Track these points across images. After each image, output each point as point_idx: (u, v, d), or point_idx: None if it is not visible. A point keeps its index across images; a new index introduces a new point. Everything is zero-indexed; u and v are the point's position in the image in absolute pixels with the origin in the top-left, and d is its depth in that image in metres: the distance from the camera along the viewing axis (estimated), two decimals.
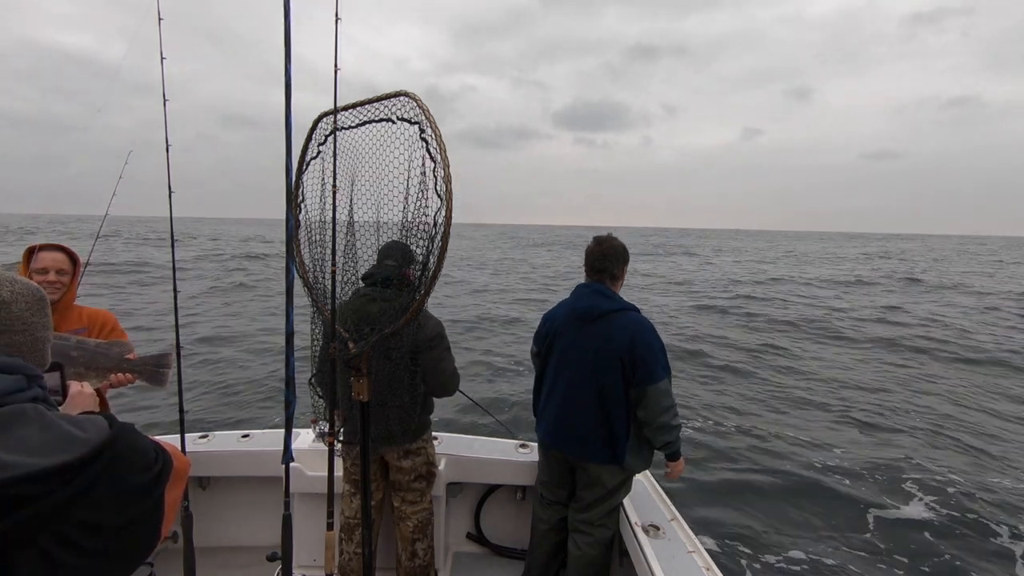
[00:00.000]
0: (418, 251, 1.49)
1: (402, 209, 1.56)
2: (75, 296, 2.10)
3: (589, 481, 2.24)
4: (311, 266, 1.75)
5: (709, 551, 1.99)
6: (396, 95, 1.46)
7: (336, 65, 1.53)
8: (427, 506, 2.35)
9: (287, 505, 1.66)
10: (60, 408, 0.89)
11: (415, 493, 2.30)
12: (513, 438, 2.86)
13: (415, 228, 1.50)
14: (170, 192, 1.94)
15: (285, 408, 1.54)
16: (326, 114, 1.66)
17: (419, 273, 1.49)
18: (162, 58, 1.84)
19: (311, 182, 1.71)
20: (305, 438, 2.67)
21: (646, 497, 2.39)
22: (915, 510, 4.65)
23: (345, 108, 1.58)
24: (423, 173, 1.42)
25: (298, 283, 1.63)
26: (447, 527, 2.73)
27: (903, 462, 5.47)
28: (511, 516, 2.82)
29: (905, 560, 3.98)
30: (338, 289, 1.65)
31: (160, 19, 1.80)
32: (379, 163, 1.55)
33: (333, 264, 1.59)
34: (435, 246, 1.42)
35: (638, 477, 2.43)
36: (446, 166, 1.36)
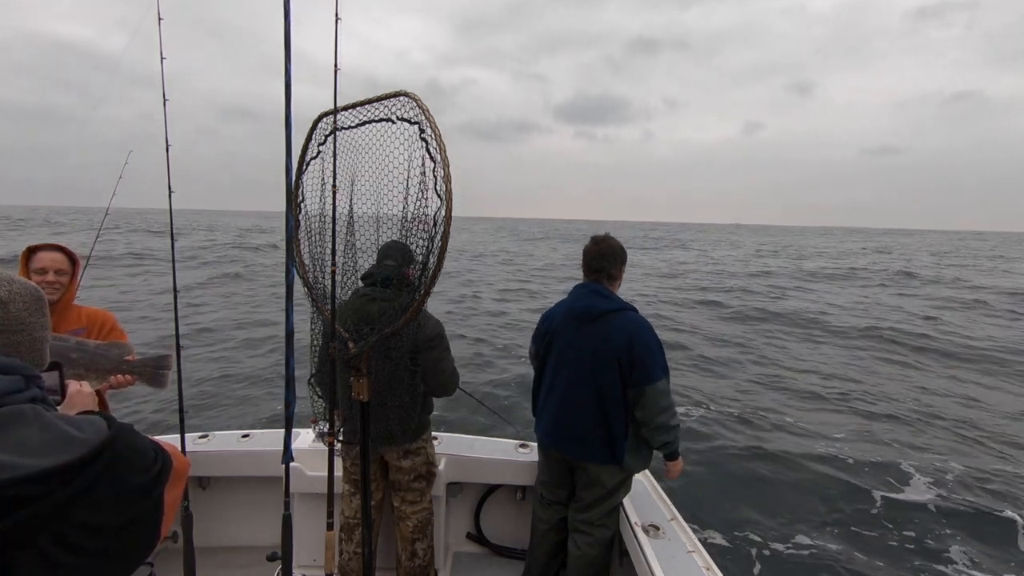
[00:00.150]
0: (418, 251, 1.49)
1: (402, 209, 1.56)
2: (74, 296, 2.10)
3: (588, 481, 2.24)
4: (311, 266, 1.75)
5: (714, 543, 2.00)
6: (396, 95, 1.46)
7: (336, 65, 1.53)
8: (427, 506, 2.35)
9: (287, 505, 1.66)
10: (59, 408, 0.89)
11: (415, 493, 2.30)
12: (513, 433, 2.86)
13: (415, 228, 1.50)
14: (170, 192, 1.94)
15: (285, 408, 1.54)
16: (326, 114, 1.66)
17: (419, 273, 1.49)
18: (162, 58, 1.84)
19: (311, 182, 1.71)
20: (305, 438, 2.67)
21: (646, 497, 2.39)
22: (915, 492, 4.76)
23: (345, 108, 1.58)
24: (423, 173, 1.42)
25: (298, 283, 1.63)
26: (447, 527, 2.73)
27: (892, 449, 5.61)
28: (511, 516, 2.82)
29: (908, 544, 4.06)
30: (338, 289, 1.65)
31: (160, 19, 1.80)
32: (379, 163, 1.55)
33: (333, 264, 1.59)
34: (435, 246, 1.42)
35: (638, 477, 2.43)
36: (446, 166, 1.36)
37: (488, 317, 12.13)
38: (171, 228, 2.08)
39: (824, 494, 4.69)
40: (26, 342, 0.85)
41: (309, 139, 1.72)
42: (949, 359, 9.59)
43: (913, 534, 4.18)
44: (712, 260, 33.21)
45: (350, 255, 1.77)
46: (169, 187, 1.92)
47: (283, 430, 1.59)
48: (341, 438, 2.08)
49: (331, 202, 1.58)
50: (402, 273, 1.96)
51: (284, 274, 1.47)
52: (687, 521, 2.21)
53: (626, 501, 2.30)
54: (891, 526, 4.26)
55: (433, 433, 2.52)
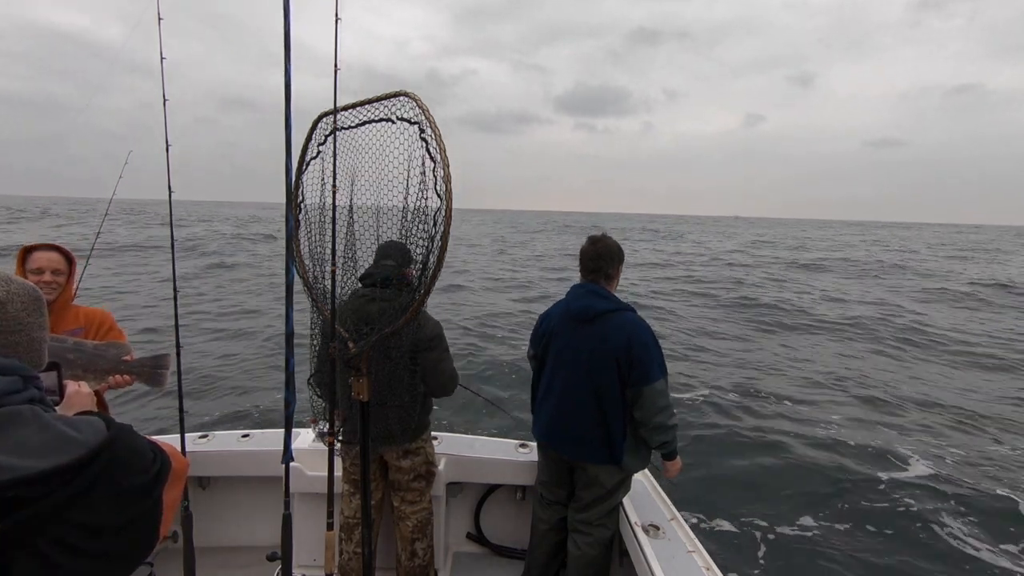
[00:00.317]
0: (418, 251, 1.49)
1: (402, 209, 1.56)
2: (72, 296, 2.09)
3: (588, 481, 2.24)
4: (311, 266, 1.75)
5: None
6: (396, 95, 1.46)
7: (336, 65, 1.53)
8: (427, 506, 2.35)
9: (287, 505, 1.66)
10: (57, 408, 0.89)
11: (414, 493, 2.30)
12: (510, 424, 2.86)
13: (415, 228, 1.50)
14: (170, 192, 1.94)
15: (285, 408, 1.54)
16: (326, 114, 1.65)
17: (419, 273, 1.49)
18: (162, 58, 1.84)
19: (311, 182, 1.71)
20: (305, 438, 2.67)
21: (646, 497, 2.39)
22: (915, 473, 4.91)
23: (345, 108, 1.58)
24: (423, 173, 1.42)
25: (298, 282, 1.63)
26: (447, 527, 2.73)
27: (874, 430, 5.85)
28: (511, 516, 2.82)
29: (909, 523, 4.18)
30: (338, 289, 1.65)
31: (160, 19, 1.79)
32: (379, 163, 1.55)
33: (333, 264, 1.59)
34: (435, 246, 1.42)
35: (638, 477, 2.43)
36: (446, 166, 1.36)
37: (475, 306, 12.37)
38: (171, 229, 2.08)
39: (825, 477, 4.81)
40: (24, 343, 0.84)
41: (309, 139, 1.72)
42: (928, 349, 9.84)
43: (914, 514, 4.30)
44: (708, 251, 33.88)
45: (350, 255, 1.77)
46: (169, 187, 1.92)
47: (283, 430, 1.58)
48: (341, 438, 2.08)
49: (331, 202, 1.58)
50: (401, 273, 1.96)
51: (284, 272, 1.47)
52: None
53: (626, 501, 2.30)
54: (892, 507, 4.38)
55: (433, 433, 2.52)
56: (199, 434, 2.70)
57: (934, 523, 4.17)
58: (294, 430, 2.70)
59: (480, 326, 10.21)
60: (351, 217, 1.72)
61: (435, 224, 1.41)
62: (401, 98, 1.45)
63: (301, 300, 1.67)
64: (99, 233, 2.86)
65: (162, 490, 0.82)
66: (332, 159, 1.55)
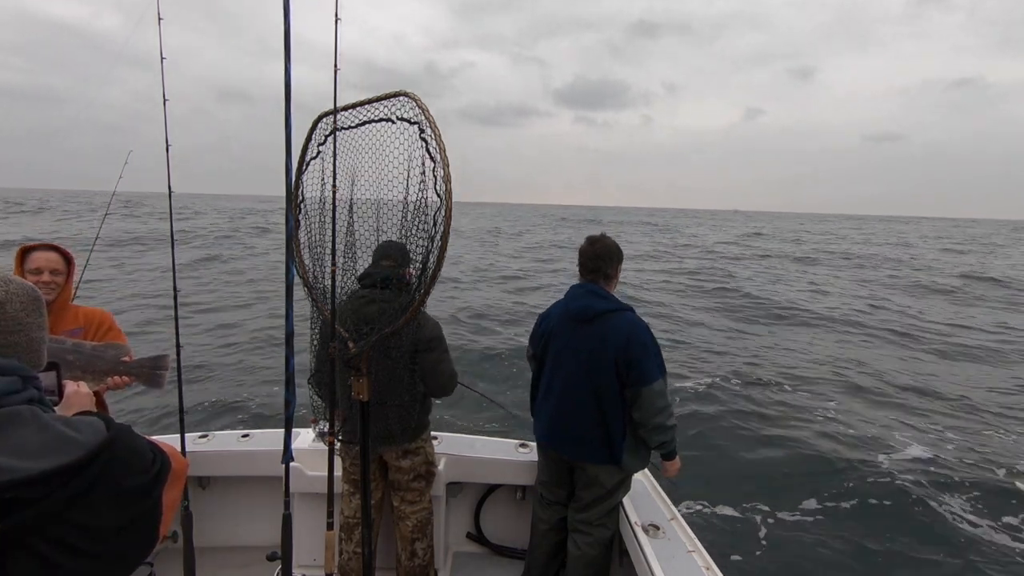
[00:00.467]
0: (418, 250, 1.49)
1: (402, 209, 1.56)
2: (71, 296, 2.09)
3: (587, 481, 2.24)
4: (311, 266, 1.75)
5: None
6: (396, 95, 1.46)
7: (336, 65, 1.52)
8: (426, 506, 2.35)
9: (287, 505, 1.66)
10: (57, 408, 0.89)
11: (414, 493, 2.30)
12: (503, 414, 2.86)
13: (415, 228, 1.50)
14: (170, 192, 1.94)
15: (285, 408, 1.54)
16: (326, 114, 1.65)
17: (418, 273, 1.49)
18: (162, 58, 1.84)
19: (311, 182, 1.71)
20: (305, 438, 2.67)
21: (646, 497, 2.39)
22: (911, 455, 5.11)
23: (345, 108, 1.58)
24: (423, 173, 1.42)
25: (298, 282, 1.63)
26: (447, 527, 2.73)
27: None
28: (511, 516, 2.82)
29: (908, 506, 4.31)
30: (338, 289, 1.65)
31: (160, 19, 1.79)
32: (379, 163, 1.55)
33: (333, 264, 1.59)
34: (435, 246, 1.42)
35: (638, 476, 2.43)
36: (446, 166, 1.36)
37: (466, 298, 12.53)
38: (171, 229, 2.08)
39: (822, 463, 4.95)
40: (23, 343, 0.84)
41: (309, 139, 1.72)
42: (914, 339, 10.19)
43: (912, 496, 4.42)
44: (702, 244, 34.60)
45: (350, 255, 1.77)
46: (169, 187, 1.92)
47: (283, 430, 1.58)
48: (341, 438, 2.08)
49: (331, 202, 1.58)
50: (400, 274, 1.95)
51: (284, 273, 1.47)
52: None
53: (626, 501, 2.30)
54: (889, 490, 4.51)
55: (433, 433, 2.52)
56: (199, 434, 2.70)
57: (930, 505, 4.29)
58: (294, 430, 2.70)
59: (474, 317, 10.37)
60: (351, 217, 1.72)
61: (435, 224, 1.41)
62: (401, 98, 1.45)
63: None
64: (98, 236, 2.86)
65: (162, 490, 0.81)
66: (332, 159, 1.55)
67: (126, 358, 1.79)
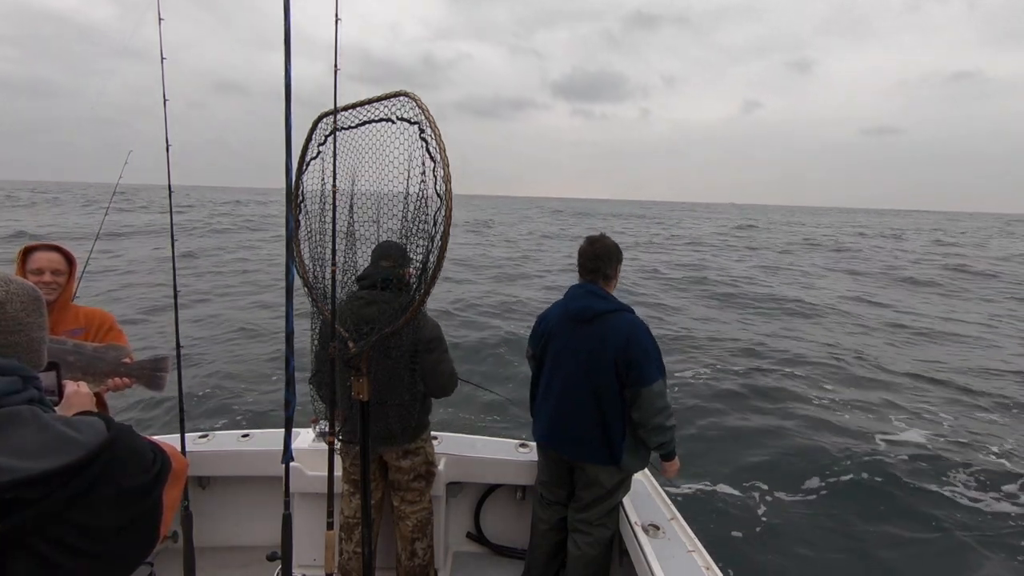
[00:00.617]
0: (418, 250, 1.49)
1: (402, 209, 1.56)
2: (72, 296, 2.09)
3: (587, 481, 2.24)
4: (311, 266, 1.75)
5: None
6: (396, 95, 1.46)
7: (336, 66, 1.53)
8: (427, 505, 2.35)
9: (287, 505, 1.66)
10: (57, 408, 0.89)
11: (414, 493, 2.30)
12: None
13: (415, 228, 1.50)
14: (170, 192, 1.94)
15: (285, 408, 1.54)
16: (326, 114, 1.65)
17: (418, 273, 1.49)
18: (162, 58, 1.84)
19: (311, 182, 1.72)
20: (305, 438, 2.67)
21: (646, 497, 2.39)
22: (906, 439, 5.32)
23: (345, 108, 1.58)
24: (423, 173, 1.42)
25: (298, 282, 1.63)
26: (447, 527, 2.73)
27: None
28: (511, 516, 2.82)
29: (906, 485, 4.48)
30: (338, 289, 1.65)
31: (160, 19, 1.79)
32: (379, 163, 1.55)
33: (333, 264, 1.59)
34: (435, 246, 1.42)
35: (638, 476, 2.43)
36: (446, 166, 1.36)
37: (456, 290, 12.71)
38: (171, 230, 2.08)
39: (821, 446, 5.11)
40: (24, 343, 0.84)
41: (309, 139, 1.72)
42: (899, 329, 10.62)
43: (908, 479, 4.58)
44: (691, 236, 35.47)
45: (350, 255, 1.77)
46: (169, 187, 1.92)
47: (283, 430, 1.58)
48: (341, 437, 2.08)
49: (331, 202, 1.58)
50: (400, 274, 1.95)
51: (284, 273, 1.46)
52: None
53: (626, 501, 2.30)
54: (888, 470, 4.68)
55: (433, 433, 2.52)
56: (199, 434, 2.70)
57: (926, 487, 4.44)
58: (294, 430, 2.70)
59: (463, 309, 10.49)
60: (351, 217, 1.72)
61: (435, 224, 1.41)
62: (401, 98, 1.45)
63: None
64: (98, 236, 2.86)
65: (162, 490, 0.81)
66: (332, 159, 1.55)
67: (127, 359, 1.79)
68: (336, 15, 1.48)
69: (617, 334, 2.10)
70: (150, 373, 1.83)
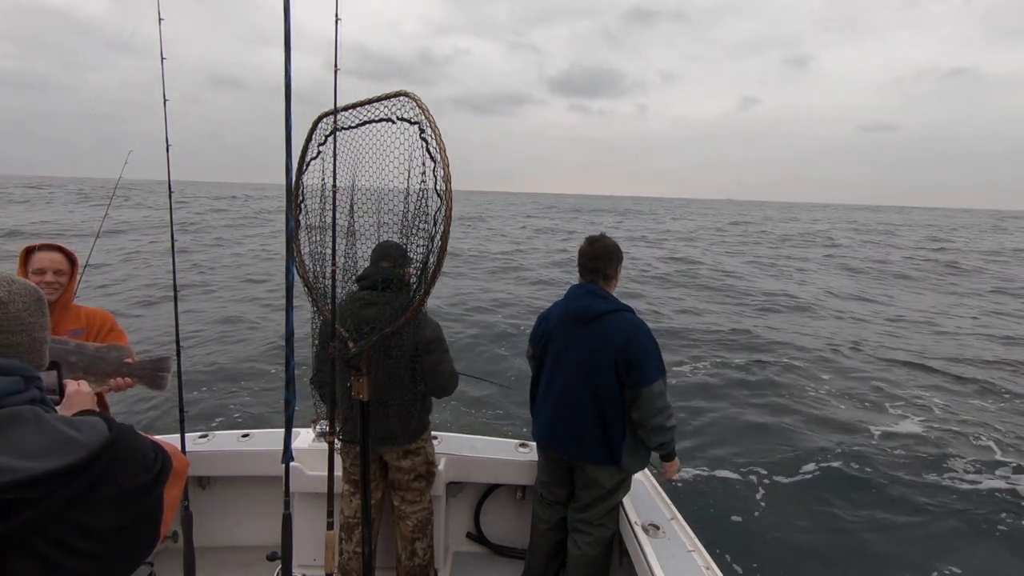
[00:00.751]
0: (418, 250, 1.49)
1: (402, 209, 1.56)
2: (73, 296, 2.09)
3: (587, 481, 2.24)
4: (311, 266, 1.75)
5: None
6: (396, 95, 1.46)
7: (336, 66, 1.53)
8: (427, 505, 2.35)
9: (287, 505, 1.66)
10: (58, 407, 0.89)
11: (415, 493, 2.30)
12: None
13: (415, 228, 1.50)
14: (170, 192, 1.94)
15: (285, 408, 1.54)
16: (326, 114, 1.66)
17: (418, 273, 1.49)
18: (163, 59, 1.84)
19: (311, 182, 1.72)
20: (305, 437, 2.67)
21: (646, 497, 2.39)
22: (903, 428, 5.53)
23: (345, 108, 1.58)
24: (423, 173, 1.42)
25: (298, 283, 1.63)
26: (447, 526, 2.73)
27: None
28: (511, 516, 2.82)
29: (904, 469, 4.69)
30: (339, 289, 1.65)
31: (160, 19, 1.79)
32: (379, 163, 1.55)
33: (333, 264, 1.59)
34: (435, 246, 1.42)
35: (638, 476, 2.43)
36: (446, 166, 1.36)
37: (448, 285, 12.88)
38: (171, 230, 2.07)
39: (814, 434, 5.30)
40: (26, 343, 0.84)
41: (309, 139, 1.72)
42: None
43: (903, 465, 4.77)
44: (685, 231, 36.24)
45: (351, 255, 1.77)
46: (169, 187, 1.92)
47: (283, 430, 1.59)
48: (342, 437, 2.08)
49: (331, 202, 1.58)
50: (400, 274, 1.95)
51: (284, 273, 1.47)
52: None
53: (626, 500, 2.30)
54: (882, 458, 4.85)
55: (433, 433, 2.52)
56: (199, 434, 2.70)
57: (922, 474, 4.60)
58: (294, 430, 2.70)
59: (450, 306, 10.56)
60: (351, 217, 1.72)
61: (435, 224, 1.41)
62: (401, 98, 1.45)
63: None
64: (98, 236, 2.86)
65: (163, 490, 0.81)
66: (332, 159, 1.55)
67: (129, 360, 1.79)
68: (336, 15, 1.48)
69: (617, 334, 2.10)
70: (152, 373, 1.83)
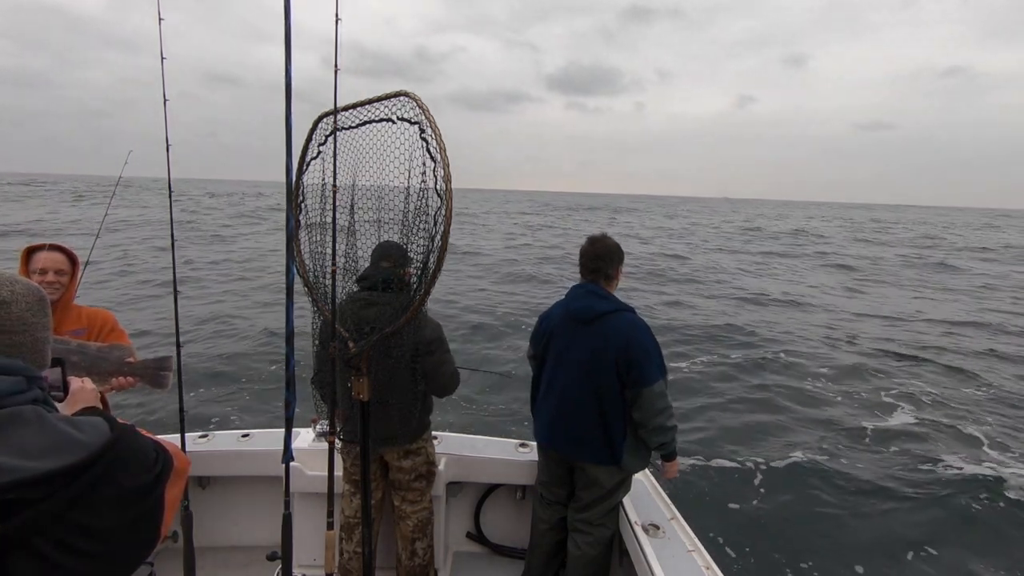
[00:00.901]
0: (418, 250, 1.49)
1: (402, 209, 1.56)
2: (74, 296, 2.10)
3: (587, 481, 2.24)
4: (311, 266, 1.75)
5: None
6: (396, 95, 1.46)
7: (336, 65, 1.53)
8: (427, 505, 2.35)
9: (287, 504, 1.66)
10: (62, 404, 0.89)
11: (415, 493, 2.30)
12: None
13: (415, 228, 1.51)
14: (170, 191, 1.94)
15: (285, 408, 1.54)
16: (326, 114, 1.66)
17: (419, 273, 1.49)
18: (163, 59, 1.84)
19: (311, 182, 1.72)
20: (305, 437, 2.67)
21: (646, 496, 2.39)
22: (899, 421, 5.72)
23: (345, 108, 1.58)
24: (423, 173, 1.42)
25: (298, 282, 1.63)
26: (447, 526, 2.73)
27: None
28: (511, 516, 2.82)
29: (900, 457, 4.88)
30: (339, 289, 1.65)
31: (160, 19, 1.79)
32: (379, 163, 1.55)
33: (333, 264, 1.59)
34: (435, 246, 1.42)
35: (638, 476, 2.43)
36: (446, 166, 1.36)
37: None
38: (171, 229, 2.07)
39: (815, 421, 5.49)
40: (28, 343, 0.84)
41: (309, 140, 1.72)
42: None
43: (900, 455, 4.96)
44: (680, 229, 37.25)
45: (351, 255, 1.78)
46: (169, 186, 1.92)
47: (283, 430, 1.59)
48: (342, 437, 2.08)
49: (331, 202, 1.58)
50: (400, 274, 1.95)
51: (284, 273, 1.47)
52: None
53: (626, 500, 2.31)
54: (880, 443, 5.09)
55: (433, 432, 2.52)
56: (199, 434, 2.70)
57: (918, 466, 4.73)
58: (294, 430, 2.70)
59: (443, 304, 10.67)
60: (352, 217, 1.72)
61: (435, 224, 1.41)
62: (401, 98, 1.45)
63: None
64: (98, 235, 2.85)
65: (164, 489, 0.81)
66: (333, 159, 1.55)
67: (130, 359, 1.80)
68: (336, 15, 1.48)
69: (618, 334, 2.10)
70: (154, 372, 1.83)
